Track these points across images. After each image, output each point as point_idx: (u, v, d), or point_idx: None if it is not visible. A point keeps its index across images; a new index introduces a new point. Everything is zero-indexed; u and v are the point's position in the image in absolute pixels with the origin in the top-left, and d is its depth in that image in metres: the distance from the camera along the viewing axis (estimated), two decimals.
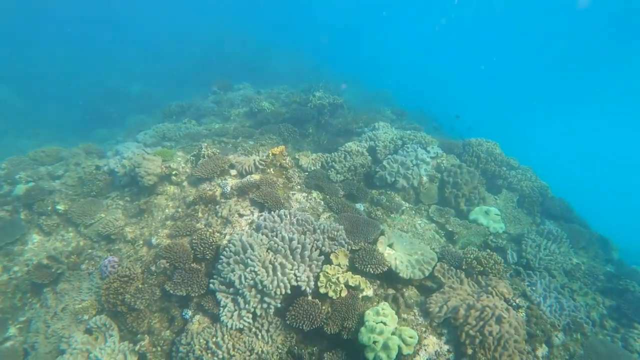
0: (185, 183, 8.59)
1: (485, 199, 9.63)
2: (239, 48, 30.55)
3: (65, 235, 9.14)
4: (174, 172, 8.59)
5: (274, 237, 6.49)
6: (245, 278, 6.16)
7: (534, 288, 7.18)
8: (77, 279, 8.16)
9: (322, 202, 7.94)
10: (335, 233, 6.61)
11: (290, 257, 6.33)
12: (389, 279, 6.67)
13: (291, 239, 6.39)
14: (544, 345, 6.29)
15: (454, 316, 5.90)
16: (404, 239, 7.43)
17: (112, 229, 8.26)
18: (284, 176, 8.09)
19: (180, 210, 7.91)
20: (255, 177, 7.83)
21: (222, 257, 6.48)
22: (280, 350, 6.15)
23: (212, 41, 32.53)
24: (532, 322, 6.36)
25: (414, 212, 9.18)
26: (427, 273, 6.59)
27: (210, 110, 14.61)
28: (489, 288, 6.43)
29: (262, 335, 6.17)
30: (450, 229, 8.64)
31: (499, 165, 10.33)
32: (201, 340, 6.23)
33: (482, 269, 6.86)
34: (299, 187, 8.03)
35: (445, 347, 5.81)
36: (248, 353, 6.08)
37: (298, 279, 6.11)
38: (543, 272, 7.82)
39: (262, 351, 6.09)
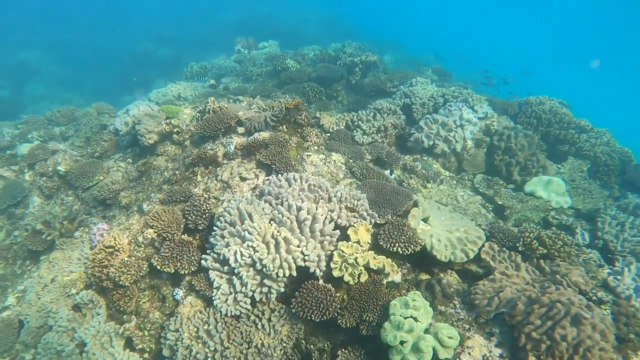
0: (187, 142, 7.47)
1: (546, 167, 7.89)
2: (273, 11, 29.03)
3: (65, 199, 8.37)
4: (175, 130, 7.47)
5: (279, 206, 5.23)
6: (242, 255, 4.98)
7: (618, 277, 5.55)
8: (70, 248, 7.36)
9: (344, 167, 6.58)
10: (356, 202, 5.26)
11: (298, 230, 5.06)
12: (422, 261, 5.29)
13: (299, 209, 5.11)
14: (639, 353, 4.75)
15: (510, 312, 4.47)
16: (443, 213, 5.99)
17: (106, 192, 7.32)
18: (298, 135, 6.77)
19: (177, 173, 6.80)
20: (265, 135, 6.55)
21: (215, 228, 5.32)
22: (284, 344, 4.98)
23: (245, 6, 31.18)
24: (621, 322, 4.81)
25: (455, 182, 7.63)
26: (472, 255, 5.13)
27: (231, 69, 13.39)
28: (557, 276, 4.91)
29: (263, 325, 5.03)
30: (500, 203, 7.06)
31: (565, 128, 8.47)
32: (191, 328, 5.17)
33: (545, 251, 5.32)
34: (315, 147, 6.68)
35: (497, 352, 4.41)
36: (245, 345, 4.96)
37: (306, 258, 4.86)
38: (629, 256, 6.14)
39: (263, 344, 4.95)
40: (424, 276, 5.24)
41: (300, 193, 5.37)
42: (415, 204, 5.77)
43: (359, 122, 7.65)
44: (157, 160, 7.50)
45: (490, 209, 7.19)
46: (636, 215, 6.65)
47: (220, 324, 5.11)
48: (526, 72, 13.17)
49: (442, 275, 5.25)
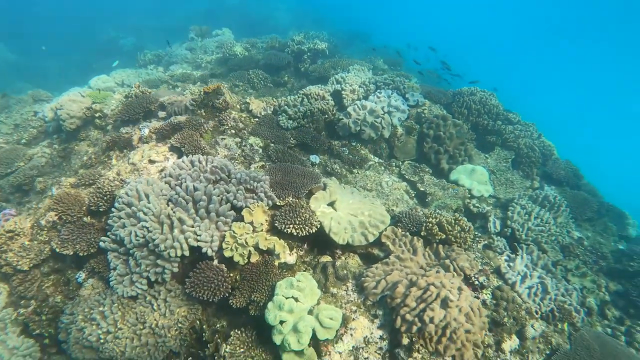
0: (110, 127, 7.33)
1: (472, 157, 8.01)
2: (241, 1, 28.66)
3: None
4: (97, 115, 7.32)
5: (177, 187, 5.17)
6: (136, 235, 4.91)
7: (511, 264, 5.66)
8: None
9: (261, 151, 6.54)
10: (255, 184, 5.24)
11: (193, 211, 5.02)
12: (326, 244, 5.31)
13: (196, 189, 5.06)
14: (514, 337, 4.86)
15: (392, 295, 4.52)
16: (354, 197, 6.01)
17: (22, 178, 7.13)
18: (216, 119, 6.69)
19: (93, 157, 6.67)
20: (180, 118, 6.46)
21: (113, 209, 5.23)
22: (180, 325, 4.94)
23: None
24: (502, 307, 4.91)
25: (383, 168, 7.68)
26: (371, 239, 5.17)
27: (182, 57, 13.19)
28: (447, 261, 4.98)
29: (158, 306, 4.98)
30: (422, 189, 7.14)
31: (494, 119, 8.60)
32: (86, 310, 5.09)
33: (444, 236, 5.39)
34: (232, 131, 6.61)
35: (378, 333, 4.46)
36: (140, 326, 4.90)
37: (198, 238, 4.82)
38: (531, 245, 6.27)
39: (158, 324, 4.89)
40: (326, 258, 5.25)
41: (201, 174, 5.32)
42: (324, 187, 5.78)
43: (285, 107, 7.61)
44: (79, 145, 7.34)
45: (414, 195, 7.26)
46: (543, 206, 6.80)
47: (116, 305, 5.04)
48: (430, 49, 13.35)
49: (343, 257, 5.27)
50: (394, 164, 7.78)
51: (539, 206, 6.78)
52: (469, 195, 7.21)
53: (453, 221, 5.47)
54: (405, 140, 8.06)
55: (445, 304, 4.16)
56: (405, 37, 23.55)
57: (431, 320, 4.07)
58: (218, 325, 4.90)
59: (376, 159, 7.86)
